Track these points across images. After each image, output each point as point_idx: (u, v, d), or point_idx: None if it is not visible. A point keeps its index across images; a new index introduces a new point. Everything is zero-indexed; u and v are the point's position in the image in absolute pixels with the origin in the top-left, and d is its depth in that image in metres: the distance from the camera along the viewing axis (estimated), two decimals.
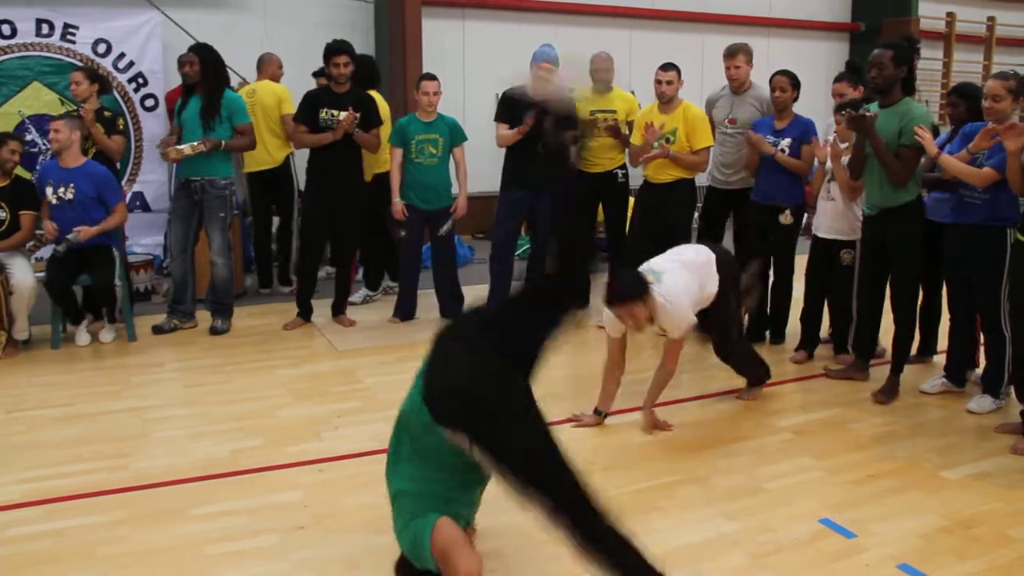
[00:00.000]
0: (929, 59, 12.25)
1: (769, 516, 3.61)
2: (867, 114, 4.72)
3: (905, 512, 3.65)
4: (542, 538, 3.37)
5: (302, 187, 7.57)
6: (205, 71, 6.06)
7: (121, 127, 6.48)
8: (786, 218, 5.71)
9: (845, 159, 5.27)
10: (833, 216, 5.43)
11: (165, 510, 3.62)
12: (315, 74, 7.35)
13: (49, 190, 5.83)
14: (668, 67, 6.05)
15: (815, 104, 5.52)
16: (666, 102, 6.05)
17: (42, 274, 5.92)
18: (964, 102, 5.06)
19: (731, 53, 6.29)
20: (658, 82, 6.04)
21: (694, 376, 5.44)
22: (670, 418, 4.68)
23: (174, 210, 6.32)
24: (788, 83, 5.74)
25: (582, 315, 3.32)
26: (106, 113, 6.44)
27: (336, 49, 6.12)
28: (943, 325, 5.37)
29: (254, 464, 4.07)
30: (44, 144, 7.60)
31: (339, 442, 4.30)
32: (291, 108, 6.87)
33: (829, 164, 5.43)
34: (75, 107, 6.57)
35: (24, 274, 5.64)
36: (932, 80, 12.58)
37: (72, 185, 5.78)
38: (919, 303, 5.21)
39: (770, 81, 5.86)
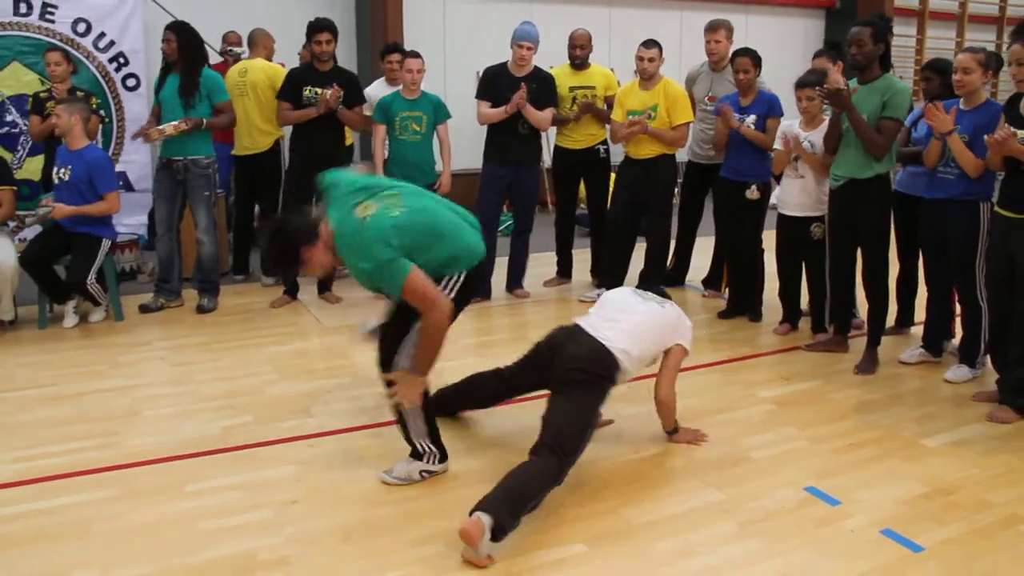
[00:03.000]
0: (903, 36, 12.36)
1: (755, 485, 3.68)
2: (843, 88, 4.77)
3: (887, 479, 3.73)
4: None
5: None
6: (182, 49, 6.03)
7: (95, 106, 6.44)
8: (752, 193, 5.76)
9: (806, 144, 5.32)
10: (801, 193, 5.44)
11: (158, 487, 3.64)
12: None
13: (55, 170, 5.85)
14: (650, 44, 6.08)
15: (791, 80, 5.55)
16: (647, 79, 6.08)
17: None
18: (938, 77, 5.17)
19: (712, 27, 6.35)
20: (640, 59, 6.07)
21: None
22: (653, 391, 4.74)
23: (157, 190, 6.29)
24: (750, 63, 5.77)
25: None
26: (78, 92, 6.40)
27: (319, 26, 6.10)
28: (920, 297, 5.46)
29: (245, 441, 4.10)
30: (24, 124, 7.54)
31: (329, 418, 4.33)
32: None
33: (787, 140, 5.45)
34: (47, 87, 6.53)
35: (6, 254, 5.60)
36: (906, 57, 12.69)
37: (69, 167, 5.76)
38: (896, 276, 5.29)
39: (731, 62, 5.90)
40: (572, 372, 3.61)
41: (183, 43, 6.02)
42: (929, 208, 4.83)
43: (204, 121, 6.02)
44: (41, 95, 6.42)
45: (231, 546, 3.19)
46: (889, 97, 4.77)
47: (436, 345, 3.41)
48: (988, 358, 4.81)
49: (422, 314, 3.36)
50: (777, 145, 5.49)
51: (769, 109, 5.75)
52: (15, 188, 5.83)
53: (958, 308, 4.96)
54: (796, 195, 5.46)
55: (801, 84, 5.30)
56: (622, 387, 4.75)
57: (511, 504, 3.16)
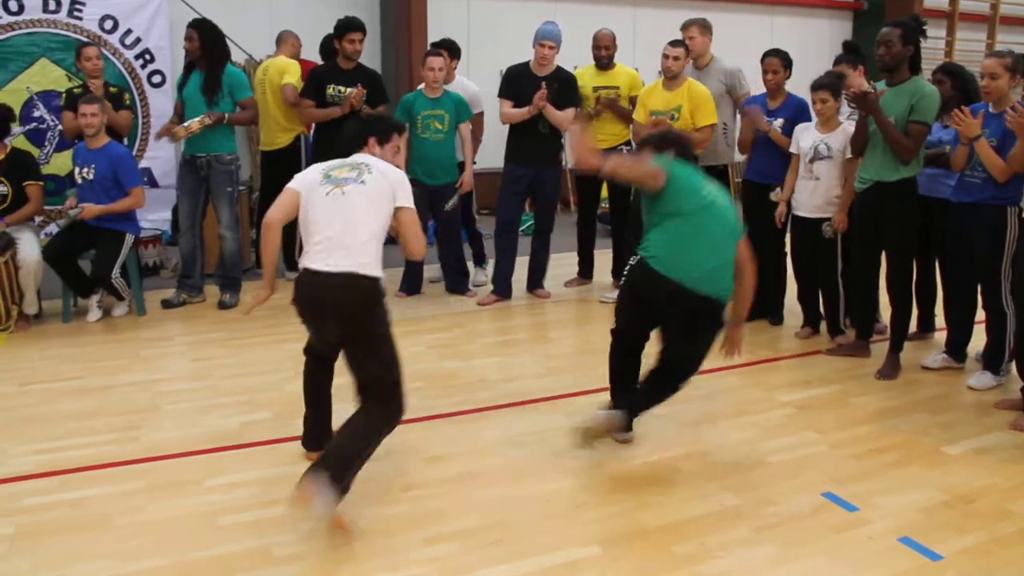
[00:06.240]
0: (932, 38, 12.22)
1: (772, 489, 3.67)
2: (870, 91, 4.74)
3: (906, 486, 3.70)
4: (545, 511, 3.46)
5: None
6: (204, 46, 6.07)
7: (127, 102, 6.50)
8: (777, 196, 5.72)
9: (822, 146, 5.28)
10: (814, 194, 5.39)
11: (178, 481, 3.68)
12: (323, 51, 7.23)
13: (76, 170, 5.91)
14: (677, 43, 6.07)
15: None
16: (671, 78, 6.06)
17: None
18: (949, 79, 5.16)
19: (684, 27, 6.46)
20: (665, 57, 6.05)
21: None
22: None
23: (180, 186, 6.35)
24: (780, 64, 5.72)
25: None
26: (112, 88, 6.46)
27: (351, 25, 6.15)
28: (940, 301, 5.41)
29: (263, 437, 4.14)
30: (52, 120, 7.63)
31: (346, 415, 4.30)
32: (292, 79, 6.81)
33: (806, 144, 5.42)
34: (80, 83, 6.59)
35: (30, 248, 5.65)
36: (935, 59, 12.52)
37: (93, 166, 5.82)
38: (915, 280, 5.26)
39: (761, 62, 5.86)
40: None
41: (205, 41, 6.07)
42: (955, 212, 4.78)
43: (226, 116, 6.06)
44: (75, 91, 6.47)
45: (247, 541, 3.22)
46: (917, 100, 4.73)
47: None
48: (1013, 365, 4.74)
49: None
50: (793, 149, 5.46)
51: (798, 114, 5.70)
52: (43, 183, 5.88)
53: (982, 314, 4.92)
54: (810, 196, 5.42)
55: (816, 86, 5.26)
56: None
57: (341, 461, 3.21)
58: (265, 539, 3.23)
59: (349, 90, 6.03)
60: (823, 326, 5.73)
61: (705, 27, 6.41)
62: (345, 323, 3.37)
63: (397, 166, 3.76)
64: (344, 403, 3.73)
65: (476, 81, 7.13)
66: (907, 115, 4.74)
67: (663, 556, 3.17)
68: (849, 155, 5.21)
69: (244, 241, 6.97)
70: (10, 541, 3.19)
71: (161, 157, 8.21)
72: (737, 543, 3.26)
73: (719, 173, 6.29)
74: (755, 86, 6.12)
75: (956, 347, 5.12)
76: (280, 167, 7.04)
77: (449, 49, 6.80)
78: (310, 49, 7.55)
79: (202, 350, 5.42)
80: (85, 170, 5.83)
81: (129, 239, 5.92)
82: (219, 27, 6.19)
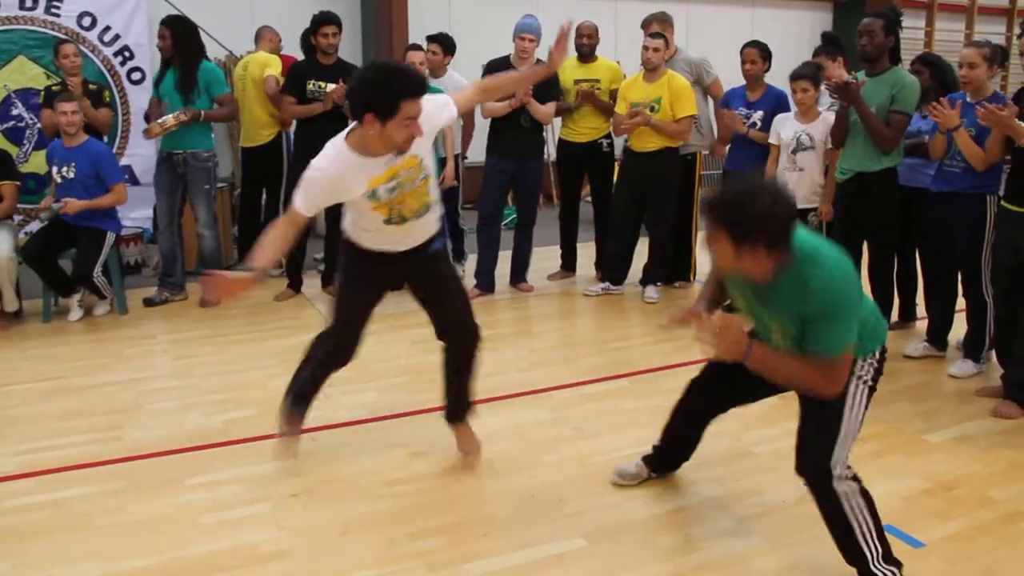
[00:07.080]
0: (912, 28, 12.32)
1: (755, 480, 3.68)
2: (852, 81, 4.76)
3: (889, 475, 3.71)
4: (529, 504, 3.46)
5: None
6: (177, 44, 6.03)
7: (107, 99, 6.45)
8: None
9: (806, 135, 5.29)
10: (798, 186, 5.40)
11: (160, 480, 3.66)
12: (305, 47, 7.18)
13: (54, 169, 5.85)
14: (656, 35, 6.08)
15: None
16: (651, 69, 6.07)
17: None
18: (927, 69, 5.18)
19: (644, 24, 6.51)
20: (645, 48, 6.06)
21: (678, 344, 5.50)
22: (656, 385, 4.74)
23: (158, 184, 6.30)
24: (759, 55, 5.75)
25: None
26: (91, 86, 6.40)
27: (325, 19, 6.11)
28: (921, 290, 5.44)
29: (246, 434, 4.11)
30: (31, 118, 7.57)
31: (331, 411, 4.33)
32: (274, 71, 6.77)
33: (787, 134, 5.44)
34: (59, 80, 6.54)
35: (2, 247, 5.55)
36: (914, 49, 12.60)
37: (73, 164, 5.77)
38: (895, 270, 5.29)
39: (741, 53, 5.89)
40: None
41: (178, 39, 6.03)
42: (935, 201, 4.81)
43: (202, 113, 6.02)
44: (54, 88, 6.41)
45: (231, 539, 3.20)
46: (898, 91, 4.76)
47: (790, 379, 2.98)
48: (993, 352, 4.79)
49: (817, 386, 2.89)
50: (773, 140, 5.48)
51: (778, 106, 5.72)
52: (17, 183, 5.82)
53: (962, 302, 4.95)
54: (794, 188, 5.43)
55: (796, 76, 5.28)
56: (624, 382, 4.78)
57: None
58: (249, 537, 3.21)
59: (330, 86, 5.99)
60: None
61: (664, 21, 6.45)
62: None
63: (412, 136, 3.09)
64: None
65: (458, 75, 7.10)
66: (888, 105, 4.77)
67: (648, 548, 3.17)
68: (830, 145, 5.23)
69: (225, 238, 6.94)
70: None
71: (142, 154, 8.13)
72: (722, 534, 3.26)
73: (688, 161, 6.36)
74: (737, 78, 6.13)
75: (937, 336, 5.14)
76: (261, 164, 7.01)
77: (443, 44, 6.77)
78: (292, 45, 7.52)
79: (184, 348, 5.39)
80: (65, 169, 5.78)
81: (110, 237, 5.88)
82: (194, 23, 6.15)
